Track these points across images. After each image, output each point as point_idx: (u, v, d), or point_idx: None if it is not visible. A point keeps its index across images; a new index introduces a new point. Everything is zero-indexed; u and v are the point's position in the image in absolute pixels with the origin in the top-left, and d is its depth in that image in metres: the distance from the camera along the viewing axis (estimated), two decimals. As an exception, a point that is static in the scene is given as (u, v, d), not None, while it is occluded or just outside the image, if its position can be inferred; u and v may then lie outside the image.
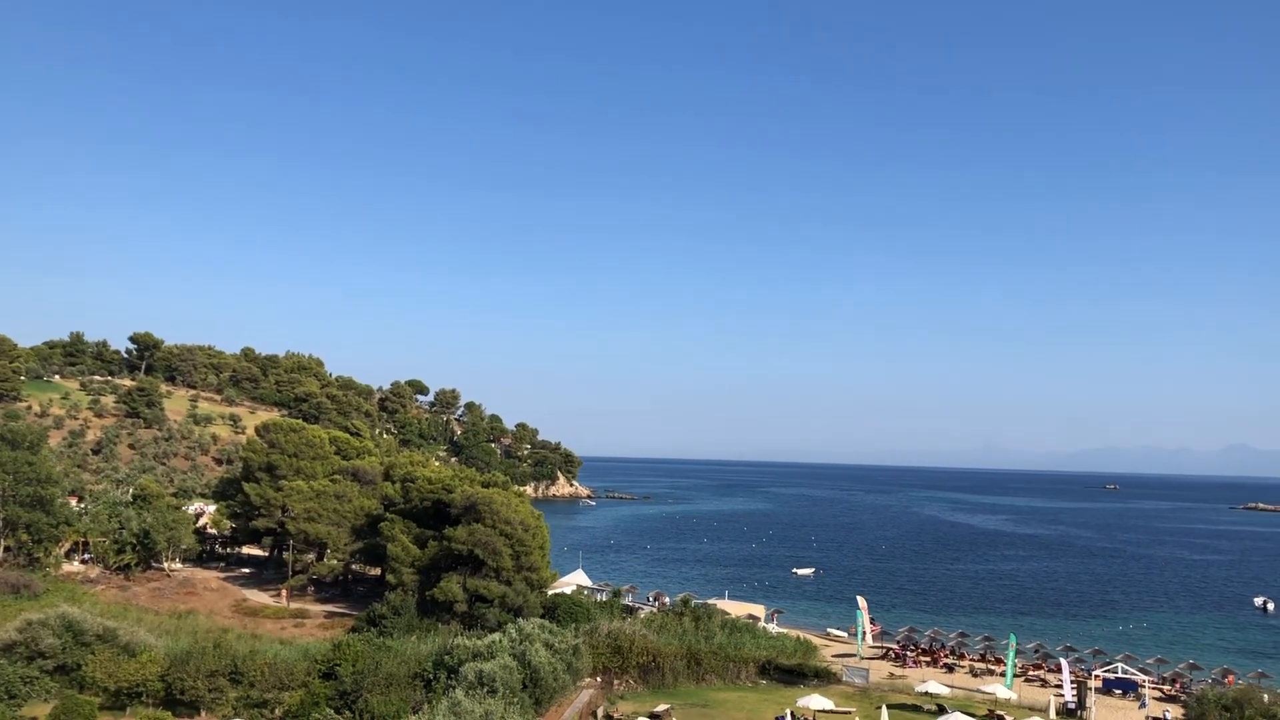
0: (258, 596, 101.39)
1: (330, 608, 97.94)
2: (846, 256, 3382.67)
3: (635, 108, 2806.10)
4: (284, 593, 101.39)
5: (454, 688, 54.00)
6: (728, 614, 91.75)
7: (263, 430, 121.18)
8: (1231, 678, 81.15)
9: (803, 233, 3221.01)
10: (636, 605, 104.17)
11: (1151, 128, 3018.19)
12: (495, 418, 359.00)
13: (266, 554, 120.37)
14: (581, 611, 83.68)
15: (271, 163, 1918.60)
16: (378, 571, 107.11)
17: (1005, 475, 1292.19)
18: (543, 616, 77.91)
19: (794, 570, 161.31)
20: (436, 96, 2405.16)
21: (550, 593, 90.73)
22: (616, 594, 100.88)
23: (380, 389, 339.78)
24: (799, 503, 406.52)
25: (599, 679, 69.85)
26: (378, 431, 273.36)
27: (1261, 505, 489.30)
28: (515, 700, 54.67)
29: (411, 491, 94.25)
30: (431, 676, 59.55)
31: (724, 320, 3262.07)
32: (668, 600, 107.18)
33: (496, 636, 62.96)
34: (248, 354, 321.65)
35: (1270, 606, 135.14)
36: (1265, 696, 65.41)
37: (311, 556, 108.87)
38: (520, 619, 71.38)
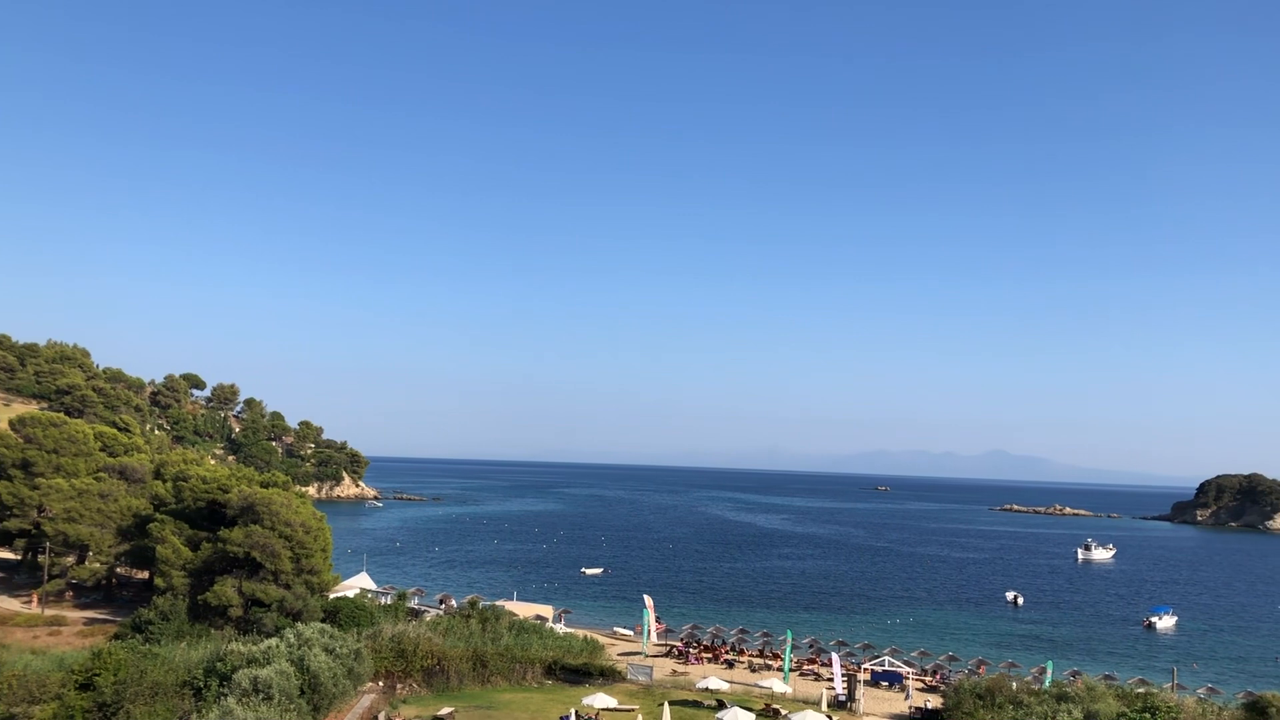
0: (7, 603, 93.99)
1: (91, 614, 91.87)
2: (641, 258, 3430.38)
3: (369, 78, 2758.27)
4: (35, 598, 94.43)
5: (226, 696, 51.64)
6: (515, 615, 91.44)
7: (18, 424, 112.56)
8: (984, 668, 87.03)
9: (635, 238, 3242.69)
10: (423, 608, 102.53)
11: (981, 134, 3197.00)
12: (277, 415, 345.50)
13: (19, 557, 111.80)
14: (364, 615, 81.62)
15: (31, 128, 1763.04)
16: (146, 575, 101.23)
17: (786, 476, 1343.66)
18: (324, 620, 75.54)
19: (583, 570, 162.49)
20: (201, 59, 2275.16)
21: (332, 596, 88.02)
22: (402, 597, 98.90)
23: (153, 383, 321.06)
24: (590, 503, 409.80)
25: (381, 683, 68.29)
26: (149, 428, 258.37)
27: (1015, 506, 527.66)
28: (292, 707, 52.73)
29: (184, 491, 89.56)
30: (202, 685, 56.64)
31: (516, 321, 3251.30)
32: (454, 603, 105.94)
33: (274, 641, 60.55)
34: (2, 341, 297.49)
35: (1020, 601, 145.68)
36: (1014, 684, 70.53)
37: (72, 560, 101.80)
38: (300, 623, 68.86)
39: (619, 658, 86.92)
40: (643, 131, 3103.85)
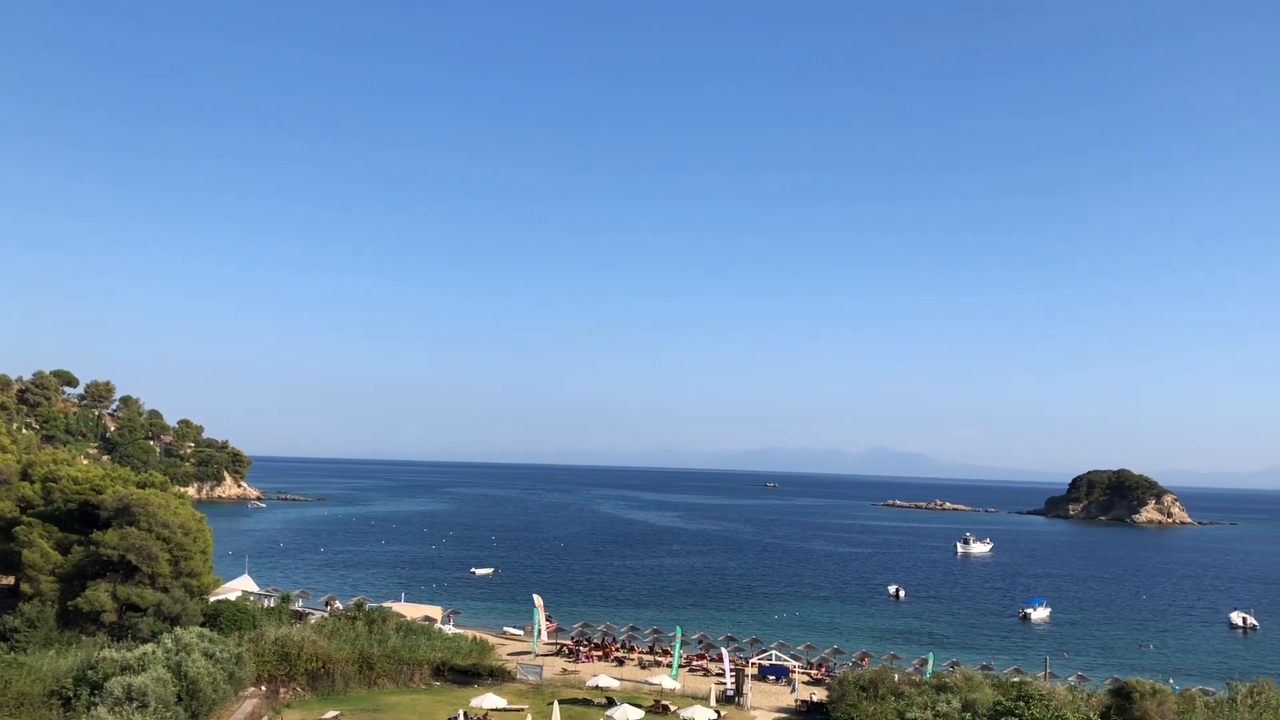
0: None
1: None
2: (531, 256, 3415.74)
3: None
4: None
5: (97, 705, 49.81)
6: (403, 617, 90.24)
7: None
8: (868, 660, 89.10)
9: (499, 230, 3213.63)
10: (308, 610, 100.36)
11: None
12: (155, 413, 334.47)
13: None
14: (246, 618, 79.58)
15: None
16: (11, 581, 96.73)
17: (679, 474, 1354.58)
18: (204, 624, 73.31)
19: (473, 570, 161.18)
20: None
21: (213, 599, 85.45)
22: (286, 599, 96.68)
23: (20, 379, 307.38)
24: (481, 503, 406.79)
25: (264, 688, 66.64)
26: (15, 427, 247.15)
27: (898, 502, 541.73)
28: (169, 714, 51.17)
29: (54, 492, 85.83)
30: (72, 694, 54.51)
31: (407, 316, 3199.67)
32: (340, 605, 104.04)
33: (150, 647, 58.62)
34: None
35: (902, 594, 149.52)
36: (895, 676, 72.48)
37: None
38: (178, 628, 66.81)
39: (509, 657, 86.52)
40: (472, 104, 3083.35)
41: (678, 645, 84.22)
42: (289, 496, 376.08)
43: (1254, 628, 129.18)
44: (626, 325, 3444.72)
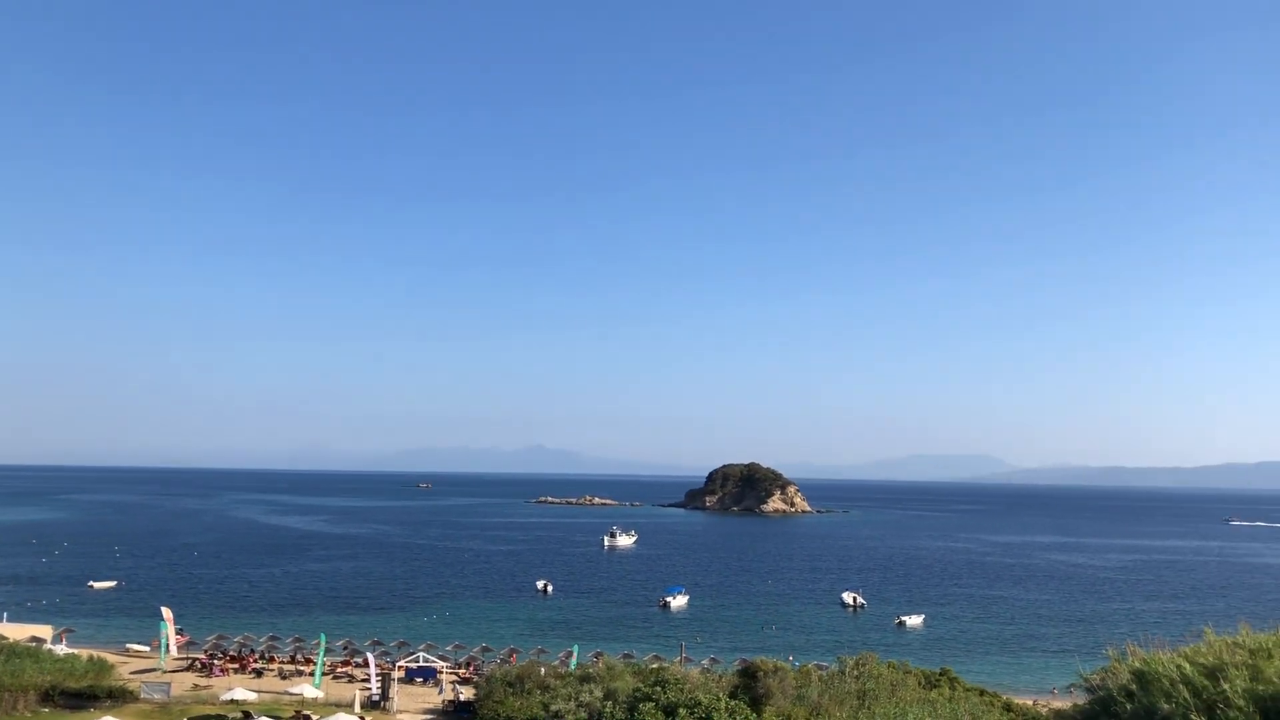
0: None
1: None
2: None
3: None
4: None
5: None
6: (5, 638, 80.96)
7: None
8: (515, 656, 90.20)
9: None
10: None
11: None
12: None
13: None
14: None
15: None
16: None
17: (328, 476, 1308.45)
18: None
19: (91, 584, 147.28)
20: None
21: None
22: None
23: None
24: (103, 510, 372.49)
25: None
26: None
27: (550, 498, 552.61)
28: None
29: None
30: None
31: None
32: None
33: None
34: None
35: (549, 589, 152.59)
36: (542, 670, 73.72)
37: None
38: None
39: (132, 676, 79.99)
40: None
41: (321, 652, 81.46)
42: None
43: (863, 606, 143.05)
44: (264, 321, 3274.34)
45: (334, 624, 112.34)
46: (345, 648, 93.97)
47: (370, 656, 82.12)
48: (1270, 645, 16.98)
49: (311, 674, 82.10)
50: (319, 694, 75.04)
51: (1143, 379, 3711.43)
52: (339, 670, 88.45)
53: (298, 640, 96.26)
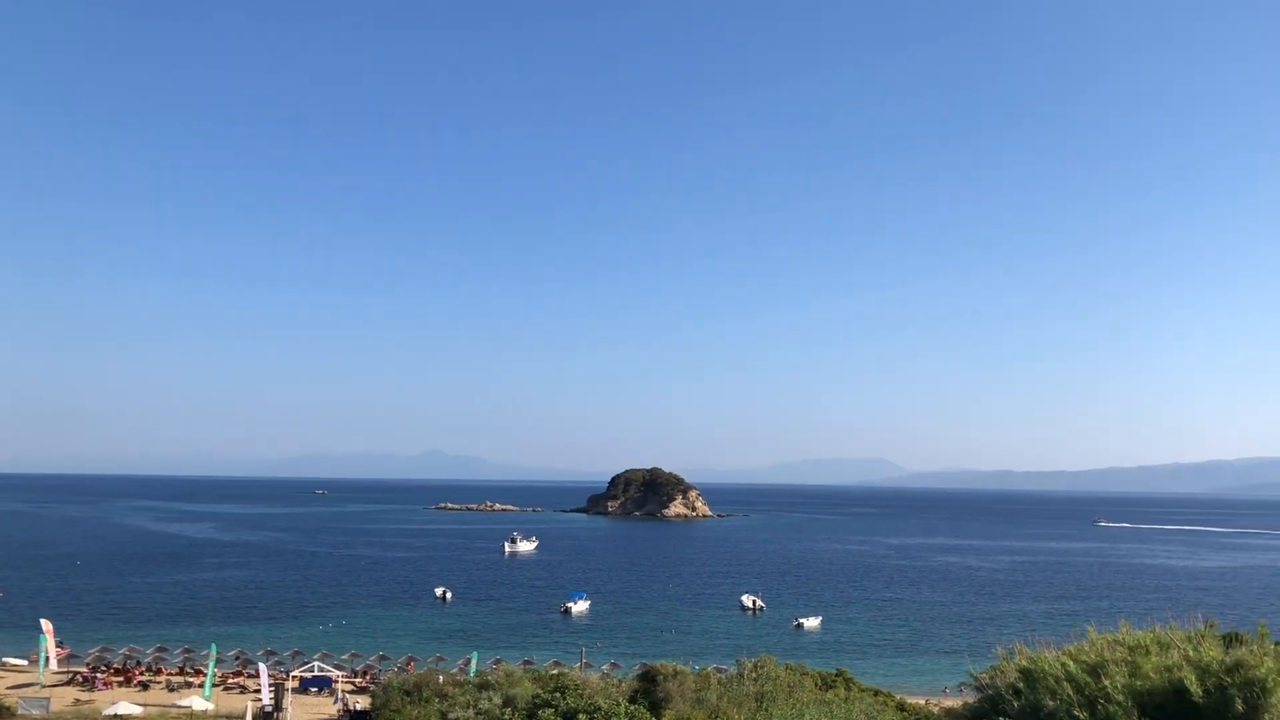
0: None
1: None
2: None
3: None
4: None
5: None
6: None
7: None
8: (413, 664, 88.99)
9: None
10: None
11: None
12: None
13: None
14: None
15: None
16: None
17: (220, 482, 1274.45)
18: None
19: None
20: None
21: None
22: None
23: None
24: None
25: None
26: None
27: (450, 505, 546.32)
28: None
29: None
30: None
31: None
32: None
33: None
34: None
35: (449, 596, 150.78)
36: (440, 677, 72.82)
37: None
38: None
39: (8, 692, 76.77)
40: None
41: (212, 663, 79.32)
42: None
43: (761, 609, 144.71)
44: (141, 323, 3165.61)
45: (226, 634, 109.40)
46: (237, 658, 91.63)
47: (263, 667, 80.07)
48: (1148, 642, 17.65)
49: (201, 686, 79.82)
50: (209, 706, 73.03)
51: (1032, 386, 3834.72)
52: (230, 681, 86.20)
53: (187, 651, 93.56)
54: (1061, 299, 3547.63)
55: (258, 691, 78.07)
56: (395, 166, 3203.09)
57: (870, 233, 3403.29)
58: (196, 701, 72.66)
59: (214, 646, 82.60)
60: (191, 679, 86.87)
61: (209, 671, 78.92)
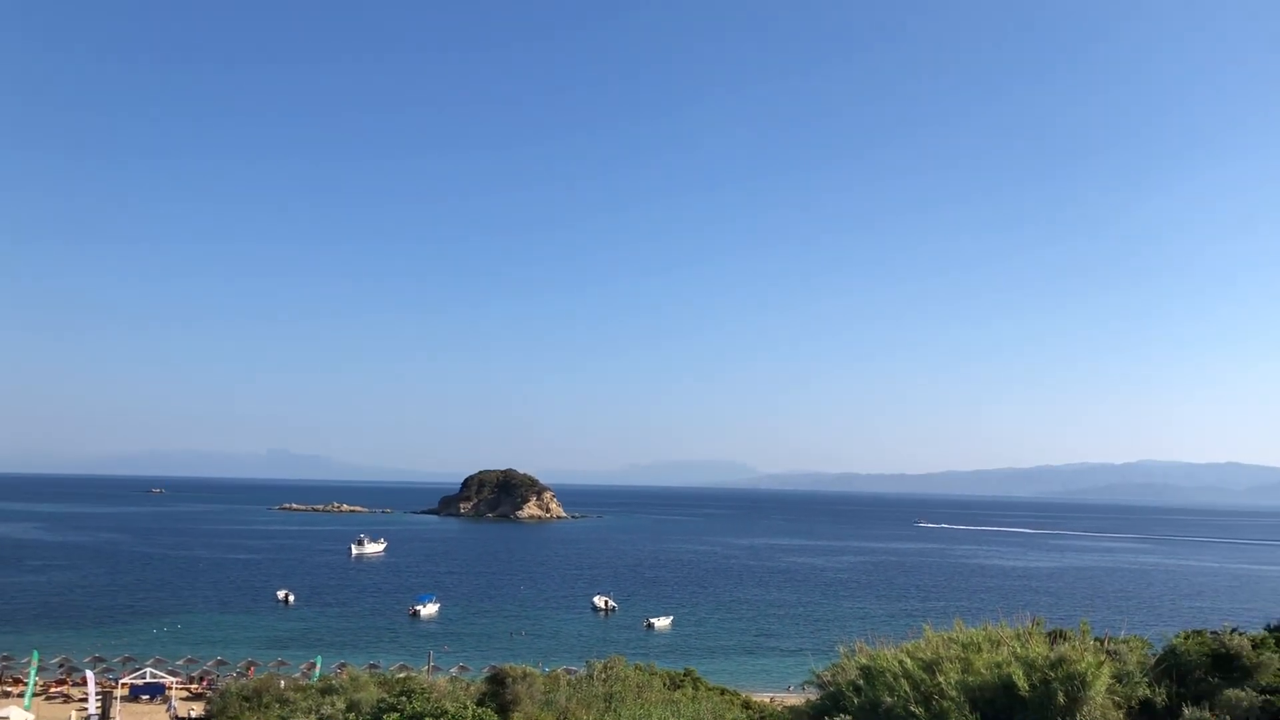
0: None
1: None
2: None
3: None
4: None
5: None
6: None
7: None
8: (254, 669, 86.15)
9: None
10: None
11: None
12: None
13: None
14: None
15: None
16: None
17: (45, 479, 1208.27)
18: None
19: None
20: None
21: None
22: None
23: None
24: None
25: None
26: None
27: (294, 505, 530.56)
28: None
29: None
30: None
31: None
32: None
33: None
34: None
35: (292, 599, 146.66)
36: (282, 682, 70.50)
37: None
38: None
39: None
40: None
41: (33, 671, 75.15)
42: None
43: (614, 609, 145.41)
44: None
45: (49, 641, 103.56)
46: (61, 665, 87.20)
47: (90, 674, 76.31)
48: (980, 639, 18.44)
49: (21, 695, 75.52)
50: (29, 716, 69.08)
51: (874, 392, 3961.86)
52: (53, 690, 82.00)
53: (5, 659, 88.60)
54: (899, 307, 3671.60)
55: (83, 700, 74.41)
56: (236, 151, 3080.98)
57: (695, 235, 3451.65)
58: (15, 712, 68.57)
59: (35, 654, 78.27)
60: (10, 688, 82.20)
61: (30, 680, 74.73)
